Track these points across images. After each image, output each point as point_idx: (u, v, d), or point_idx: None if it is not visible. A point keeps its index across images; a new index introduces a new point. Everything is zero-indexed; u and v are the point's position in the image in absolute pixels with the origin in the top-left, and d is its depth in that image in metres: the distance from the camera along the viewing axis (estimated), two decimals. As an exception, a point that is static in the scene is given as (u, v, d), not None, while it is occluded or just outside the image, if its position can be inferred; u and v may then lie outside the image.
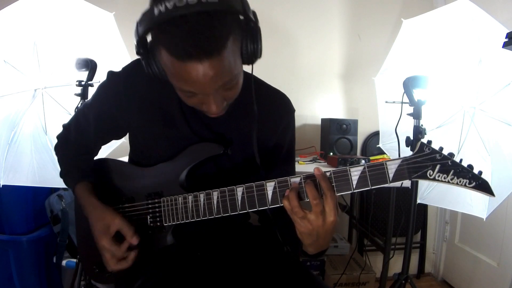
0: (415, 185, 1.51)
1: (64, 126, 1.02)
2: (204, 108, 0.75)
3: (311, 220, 0.69)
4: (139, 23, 0.67)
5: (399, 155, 1.46)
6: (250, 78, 0.86)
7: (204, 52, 0.62)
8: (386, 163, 0.68)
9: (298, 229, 0.72)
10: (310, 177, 0.71)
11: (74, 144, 0.99)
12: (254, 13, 0.71)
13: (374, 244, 2.12)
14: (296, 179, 0.72)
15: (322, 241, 0.74)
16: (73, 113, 1.52)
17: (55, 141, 1.03)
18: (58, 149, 1.02)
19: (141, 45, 0.69)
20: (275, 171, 0.92)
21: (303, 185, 0.71)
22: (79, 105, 1.46)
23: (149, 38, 0.70)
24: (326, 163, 1.91)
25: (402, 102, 1.44)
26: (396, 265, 2.05)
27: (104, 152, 1.49)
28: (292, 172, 0.99)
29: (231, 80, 0.70)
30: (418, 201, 1.63)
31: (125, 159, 1.00)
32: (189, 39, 0.61)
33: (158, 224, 0.86)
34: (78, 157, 0.98)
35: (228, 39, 0.65)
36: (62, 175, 0.98)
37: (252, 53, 0.71)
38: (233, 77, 0.70)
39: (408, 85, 1.40)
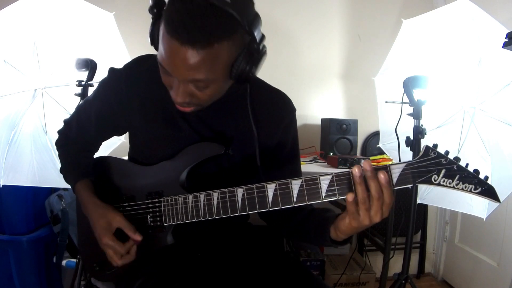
0: (415, 186, 1.51)
1: (65, 121, 1.02)
2: (171, 93, 0.75)
3: (371, 215, 0.66)
4: None
5: (399, 155, 1.46)
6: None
7: (189, 38, 0.63)
8: (389, 167, 0.66)
9: (351, 222, 0.68)
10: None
11: (75, 140, 0.99)
12: (262, 37, 0.71)
13: (374, 244, 2.12)
14: (298, 181, 0.71)
15: (358, 231, 0.72)
16: (73, 113, 1.52)
17: (56, 140, 1.03)
18: (58, 144, 1.02)
19: (155, 4, 0.69)
20: (280, 170, 0.92)
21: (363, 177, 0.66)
22: (80, 103, 1.46)
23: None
24: (326, 163, 1.91)
25: (402, 102, 1.44)
26: (396, 265, 2.05)
27: (104, 151, 1.49)
28: (297, 171, 0.99)
29: (203, 81, 0.69)
30: (418, 201, 1.63)
31: (125, 158, 1.00)
32: (183, 19, 0.62)
33: (158, 223, 0.86)
34: (79, 154, 0.98)
35: (220, 41, 0.64)
36: (62, 171, 0.98)
37: (242, 73, 0.70)
38: (207, 80, 0.70)
39: (408, 85, 1.40)
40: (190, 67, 0.66)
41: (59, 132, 1.03)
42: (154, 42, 0.72)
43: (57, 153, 1.03)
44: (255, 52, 0.70)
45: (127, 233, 0.82)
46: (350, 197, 0.66)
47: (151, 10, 0.70)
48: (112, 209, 0.85)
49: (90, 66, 1.47)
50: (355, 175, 0.65)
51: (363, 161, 0.66)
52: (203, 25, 0.62)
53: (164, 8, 0.69)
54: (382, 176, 0.64)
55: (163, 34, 0.66)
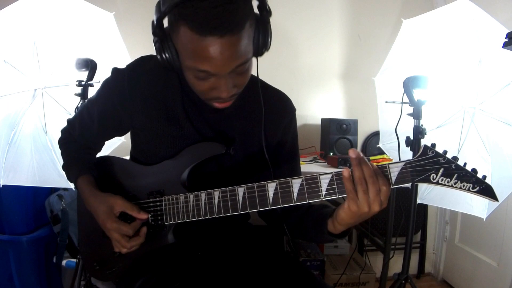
0: (415, 186, 1.51)
1: (69, 120, 1.03)
2: (214, 94, 0.75)
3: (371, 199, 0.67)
4: (161, 2, 0.68)
5: (399, 155, 1.46)
6: (254, 78, 0.86)
7: (227, 27, 0.64)
8: (388, 166, 0.68)
9: (349, 206, 0.69)
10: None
11: (78, 139, 1.00)
12: (269, 8, 0.73)
13: (374, 244, 2.12)
14: (298, 180, 0.72)
15: (357, 222, 0.73)
16: (73, 113, 1.52)
17: (55, 141, 1.04)
18: (61, 142, 1.03)
19: (158, 26, 0.70)
20: (279, 170, 0.93)
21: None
22: (79, 105, 1.46)
23: (165, 25, 0.71)
24: (326, 163, 1.91)
25: (402, 102, 1.44)
26: (396, 265, 2.05)
27: (105, 151, 1.49)
28: (297, 170, 0.99)
29: (244, 62, 0.71)
30: (418, 201, 1.63)
31: (126, 158, 1.00)
32: (213, 12, 0.63)
33: (159, 222, 0.86)
34: (81, 151, 0.99)
35: (247, 21, 0.67)
36: (64, 167, 0.99)
37: (262, 44, 0.73)
38: (247, 60, 0.72)
39: (408, 85, 1.40)
40: (234, 55, 0.68)
41: (62, 131, 1.04)
42: (174, 62, 0.72)
43: (57, 153, 1.04)
44: (266, 23, 0.73)
45: (131, 214, 0.83)
46: (346, 172, 0.67)
47: (155, 32, 0.70)
48: (112, 195, 0.85)
49: (90, 66, 1.47)
50: (352, 157, 0.68)
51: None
52: (235, 10, 0.64)
53: (168, 25, 0.70)
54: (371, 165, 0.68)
55: (192, 39, 0.65)
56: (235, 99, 0.81)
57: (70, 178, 0.97)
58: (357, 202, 0.67)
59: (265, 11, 0.72)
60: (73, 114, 1.51)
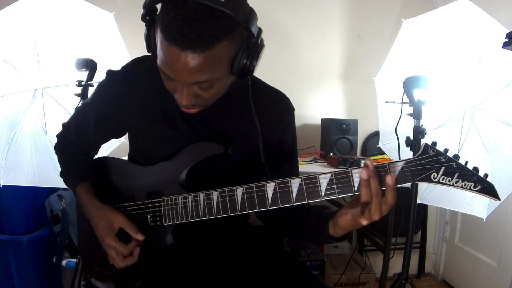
0: (415, 185, 1.51)
1: (64, 125, 1.02)
2: (176, 97, 0.75)
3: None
4: None
5: (399, 155, 1.46)
6: (248, 80, 0.86)
7: (188, 43, 0.63)
8: (389, 165, 0.67)
9: (351, 219, 0.70)
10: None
11: (74, 144, 0.99)
12: (259, 30, 0.71)
13: (374, 244, 2.12)
14: (297, 180, 0.71)
15: (357, 228, 0.73)
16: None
17: (55, 141, 1.03)
18: (58, 148, 1.02)
19: (149, 11, 0.69)
20: (278, 169, 0.92)
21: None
22: (79, 105, 1.46)
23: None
24: (326, 163, 1.91)
25: (402, 102, 1.44)
26: (396, 265, 2.05)
27: (104, 152, 1.49)
28: (295, 170, 0.99)
29: (207, 81, 0.69)
30: (418, 201, 1.63)
31: (125, 159, 1.00)
32: (180, 25, 0.62)
33: (158, 223, 0.86)
34: (78, 157, 0.99)
35: (220, 41, 0.64)
36: (62, 174, 0.98)
37: (243, 68, 0.71)
38: (211, 80, 0.70)
39: (408, 85, 1.40)
40: (193, 71, 0.66)
41: (58, 135, 1.03)
42: (151, 48, 0.72)
43: (57, 153, 1.03)
44: (253, 47, 0.70)
45: (129, 233, 0.83)
46: (364, 221, 0.66)
47: (143, 18, 0.69)
48: (114, 210, 0.85)
49: (90, 66, 1.47)
50: (363, 178, 0.64)
51: (366, 160, 0.65)
52: (201, 29, 0.62)
53: (157, 14, 0.68)
54: (389, 178, 0.64)
55: (161, 41, 0.65)
56: (202, 109, 0.80)
57: (68, 185, 0.97)
58: (359, 219, 0.68)
59: (252, 39, 0.69)
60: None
